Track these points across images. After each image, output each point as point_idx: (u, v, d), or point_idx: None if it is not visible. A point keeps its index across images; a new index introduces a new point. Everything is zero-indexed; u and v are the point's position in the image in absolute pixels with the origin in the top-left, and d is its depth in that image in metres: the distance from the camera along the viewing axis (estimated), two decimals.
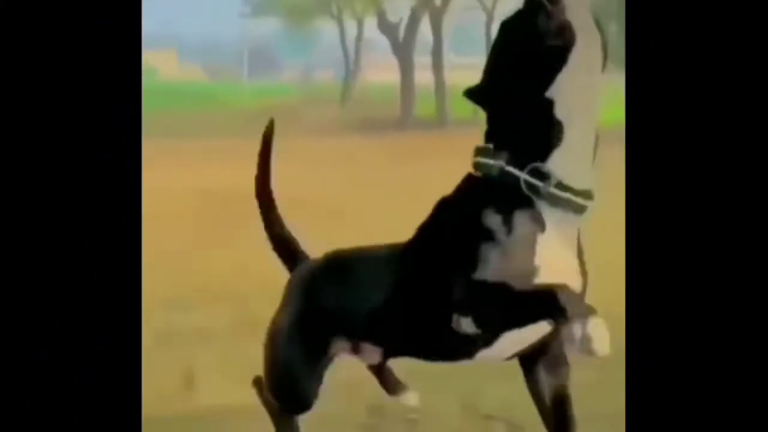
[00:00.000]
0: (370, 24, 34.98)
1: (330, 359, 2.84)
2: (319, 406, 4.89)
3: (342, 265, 2.77)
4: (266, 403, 2.91)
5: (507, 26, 2.31)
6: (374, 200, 11.92)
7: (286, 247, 2.97)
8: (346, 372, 5.04)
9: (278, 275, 3.09)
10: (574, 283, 2.37)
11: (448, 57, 31.31)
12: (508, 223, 2.21)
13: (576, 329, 2.00)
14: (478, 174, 2.39)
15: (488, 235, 2.23)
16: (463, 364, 5.34)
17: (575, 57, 2.05)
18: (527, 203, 2.26)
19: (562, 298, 2.17)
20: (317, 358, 2.73)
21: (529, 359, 2.61)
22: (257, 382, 3.01)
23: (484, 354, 2.50)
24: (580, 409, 4.88)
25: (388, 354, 2.80)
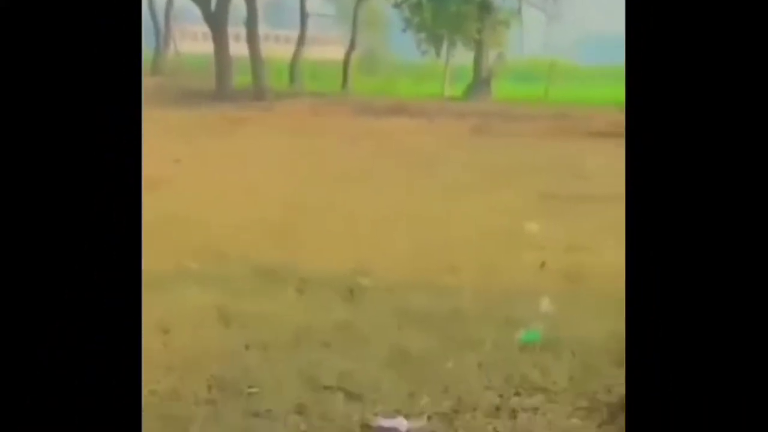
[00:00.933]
0: None
1: None
2: (159, 382, 4.82)
3: None
4: None
5: None
6: (192, 172, 11.71)
7: None
8: (186, 347, 4.98)
9: None
10: None
11: (263, 29, 30.99)
12: None
13: None
14: None
15: None
16: (303, 339, 5.40)
17: None
18: None
19: None
20: None
21: None
22: None
23: None
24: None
25: None
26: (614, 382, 4.70)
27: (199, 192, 10.13)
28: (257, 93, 25.67)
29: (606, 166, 11.86)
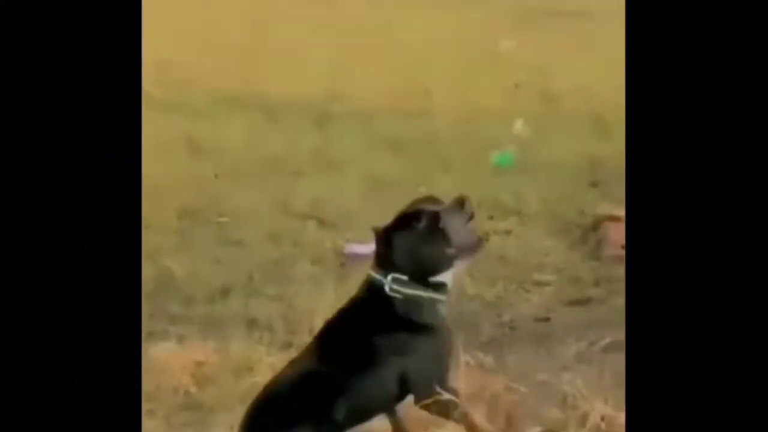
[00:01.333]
0: None
1: None
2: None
3: None
4: None
5: None
6: None
7: None
8: (154, 176, 4.90)
9: None
10: None
11: None
12: None
13: None
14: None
15: None
16: (275, 167, 5.33)
17: None
18: None
19: None
20: None
21: None
22: None
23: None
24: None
25: None
26: (586, 203, 4.69)
27: (159, 16, 9.80)
28: None
29: None
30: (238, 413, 2.47)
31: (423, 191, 5.07)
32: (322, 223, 4.54)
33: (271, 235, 4.36)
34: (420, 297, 2.42)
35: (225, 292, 3.79)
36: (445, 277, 2.46)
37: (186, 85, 6.84)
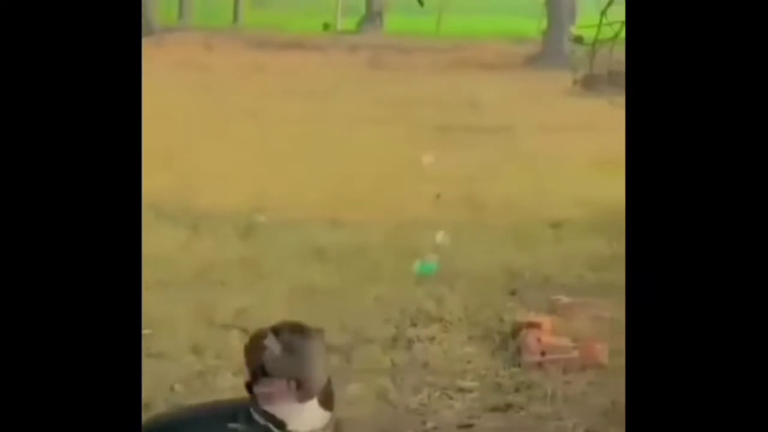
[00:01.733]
0: None
1: None
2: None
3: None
4: None
5: None
6: None
7: None
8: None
9: None
10: None
11: None
12: None
13: None
14: None
15: None
16: (199, 278, 5.33)
17: None
18: None
19: None
20: None
21: None
22: None
23: None
24: None
25: None
26: (506, 310, 4.80)
27: None
28: (145, 28, 25.00)
29: (498, 98, 11.96)
30: None
31: (348, 301, 5.16)
32: (245, 333, 4.53)
33: (194, 347, 4.35)
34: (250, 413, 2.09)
35: (146, 406, 3.72)
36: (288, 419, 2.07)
37: None
